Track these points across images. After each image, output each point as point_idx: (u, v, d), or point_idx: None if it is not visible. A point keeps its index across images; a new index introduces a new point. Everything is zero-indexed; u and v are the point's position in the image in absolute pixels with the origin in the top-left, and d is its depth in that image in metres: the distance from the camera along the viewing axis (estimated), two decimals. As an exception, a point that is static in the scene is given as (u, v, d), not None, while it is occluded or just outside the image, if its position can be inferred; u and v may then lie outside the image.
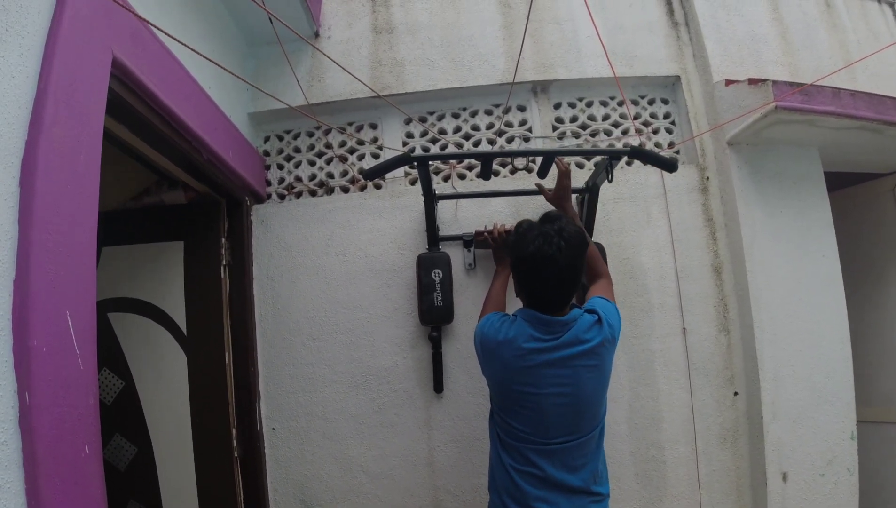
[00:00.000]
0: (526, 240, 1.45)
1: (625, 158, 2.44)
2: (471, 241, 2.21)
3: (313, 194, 2.41)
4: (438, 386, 2.18)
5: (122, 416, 2.06)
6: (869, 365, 2.72)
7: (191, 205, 2.20)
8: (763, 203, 2.37)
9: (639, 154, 1.84)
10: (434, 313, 2.14)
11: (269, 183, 2.43)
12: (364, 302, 2.25)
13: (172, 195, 2.18)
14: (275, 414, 2.20)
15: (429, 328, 2.19)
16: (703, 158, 2.44)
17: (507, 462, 1.53)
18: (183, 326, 2.13)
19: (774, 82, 2.09)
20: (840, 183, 2.88)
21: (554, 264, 1.41)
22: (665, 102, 2.56)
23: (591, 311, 1.54)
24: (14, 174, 1.00)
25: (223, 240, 2.19)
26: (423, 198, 2.05)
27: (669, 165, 1.88)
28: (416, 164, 1.84)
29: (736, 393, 2.30)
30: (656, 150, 2.45)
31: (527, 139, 2.46)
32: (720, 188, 2.41)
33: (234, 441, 2.10)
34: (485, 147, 2.43)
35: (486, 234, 2.06)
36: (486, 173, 1.90)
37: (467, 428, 2.17)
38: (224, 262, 2.18)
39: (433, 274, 2.15)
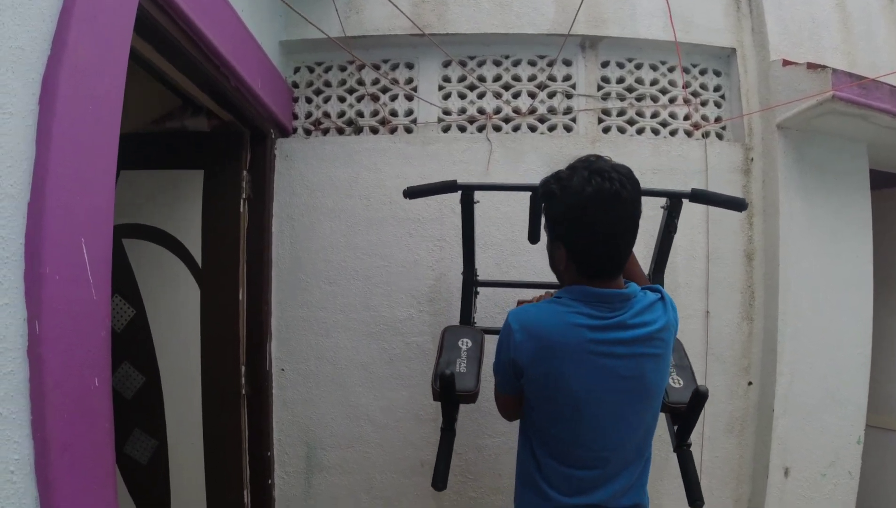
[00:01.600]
0: (576, 183, 1.16)
1: (668, 128, 2.38)
2: None
3: (341, 131, 2.36)
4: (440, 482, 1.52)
5: (131, 344, 2.08)
6: (882, 371, 2.72)
7: (213, 133, 2.16)
8: (804, 193, 2.33)
9: (702, 196, 1.66)
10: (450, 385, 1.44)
11: (295, 117, 2.37)
12: (385, 250, 2.24)
13: (195, 121, 2.13)
14: (285, 355, 2.23)
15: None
16: (750, 137, 2.38)
17: (547, 492, 1.24)
18: (198, 258, 2.13)
19: (834, 70, 2.03)
20: (880, 183, 2.81)
21: (620, 202, 1.14)
22: (717, 74, 2.48)
23: (651, 290, 1.29)
24: (34, 91, 0.96)
25: (244, 173, 2.16)
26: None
27: (739, 205, 1.65)
28: (460, 193, 1.73)
29: (750, 383, 2.32)
30: (720, 193, 2.03)
31: (569, 96, 2.39)
32: (763, 172, 2.36)
33: (243, 379, 2.12)
34: (524, 101, 2.35)
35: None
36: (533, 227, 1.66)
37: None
38: (244, 195, 2.15)
39: (460, 343, 1.75)
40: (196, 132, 2.16)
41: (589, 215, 1.16)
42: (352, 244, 2.24)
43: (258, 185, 2.19)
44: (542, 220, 1.30)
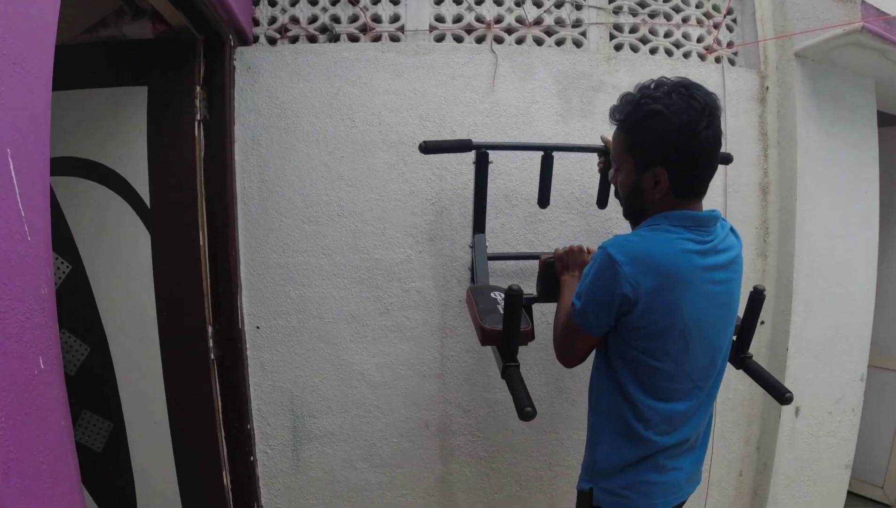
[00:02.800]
0: (680, 100, 1.17)
1: (682, 50, 2.26)
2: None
3: (312, 40, 2.04)
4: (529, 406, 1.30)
5: (69, 308, 1.74)
6: (881, 311, 2.82)
7: (159, 41, 1.82)
8: (820, 125, 2.31)
9: None
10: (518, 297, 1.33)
11: (256, 23, 2.02)
12: (375, 181, 1.99)
13: (137, 27, 1.78)
14: (259, 310, 1.97)
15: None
16: (765, 65, 2.30)
17: (639, 429, 1.25)
18: (146, 196, 1.80)
19: (864, 2, 1.99)
20: (881, 121, 2.88)
21: (717, 117, 1.20)
22: None
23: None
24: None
25: (198, 88, 1.82)
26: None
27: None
28: (475, 155, 1.81)
29: (762, 322, 2.30)
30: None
31: (579, 7, 2.17)
32: (778, 102, 2.30)
33: (210, 341, 1.87)
34: (530, 9, 2.12)
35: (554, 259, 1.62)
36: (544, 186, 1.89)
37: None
38: (199, 116, 1.83)
39: (493, 295, 1.60)
40: (137, 41, 1.81)
41: (698, 132, 1.17)
42: (335, 174, 1.97)
43: (216, 103, 1.86)
44: (626, 154, 1.28)
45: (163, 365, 1.81)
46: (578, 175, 2.09)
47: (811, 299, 2.28)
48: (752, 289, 1.59)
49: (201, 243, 1.84)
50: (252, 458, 1.95)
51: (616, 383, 1.28)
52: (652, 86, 1.22)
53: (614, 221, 2.08)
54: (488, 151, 1.81)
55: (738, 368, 1.69)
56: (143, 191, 1.79)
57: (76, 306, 1.77)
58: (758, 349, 2.30)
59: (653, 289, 1.16)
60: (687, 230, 1.21)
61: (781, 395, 1.57)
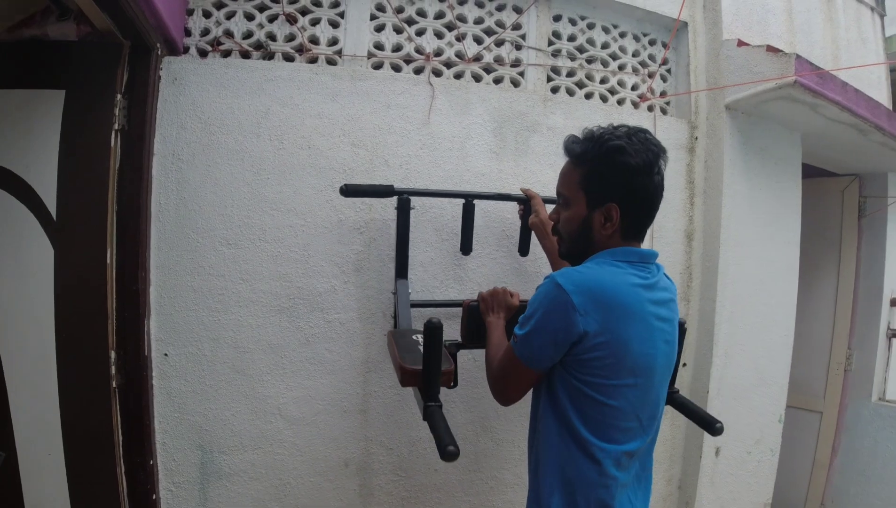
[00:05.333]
0: (641, 143, 1.36)
1: (616, 96, 2.59)
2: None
3: (246, 56, 2.19)
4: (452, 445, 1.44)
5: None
6: (800, 352, 3.25)
7: (82, 44, 1.90)
8: (746, 176, 2.68)
9: None
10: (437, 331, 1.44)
11: (188, 33, 2.15)
12: (301, 206, 2.14)
13: (61, 28, 1.86)
14: (169, 336, 2.05)
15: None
16: (696, 116, 2.66)
17: (592, 474, 1.33)
18: (52, 207, 1.86)
19: (798, 57, 2.34)
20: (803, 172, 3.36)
21: (664, 164, 1.40)
22: (665, 46, 2.72)
23: None
24: None
25: (119, 96, 1.92)
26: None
27: None
28: (396, 201, 2.05)
29: (685, 364, 2.61)
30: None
31: (518, 47, 2.46)
32: (706, 151, 2.67)
33: (113, 367, 1.91)
34: (469, 45, 2.38)
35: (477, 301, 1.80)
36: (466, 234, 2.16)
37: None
38: (117, 126, 1.92)
39: (414, 337, 1.75)
40: (59, 42, 1.89)
41: (653, 175, 1.38)
42: (259, 196, 2.10)
43: (136, 113, 1.95)
44: (579, 189, 1.43)
45: (59, 392, 1.84)
46: (510, 213, 2.32)
47: (732, 343, 2.61)
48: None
49: (108, 260, 1.90)
50: (154, 496, 1.99)
51: (564, 424, 1.35)
52: (612, 126, 1.41)
53: (543, 260, 2.31)
54: (410, 197, 2.02)
55: (666, 403, 1.82)
56: (50, 202, 1.85)
57: (-35, 324, 1.79)
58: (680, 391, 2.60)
59: (602, 320, 1.27)
60: (630, 266, 1.36)
61: (712, 426, 1.79)
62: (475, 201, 2.12)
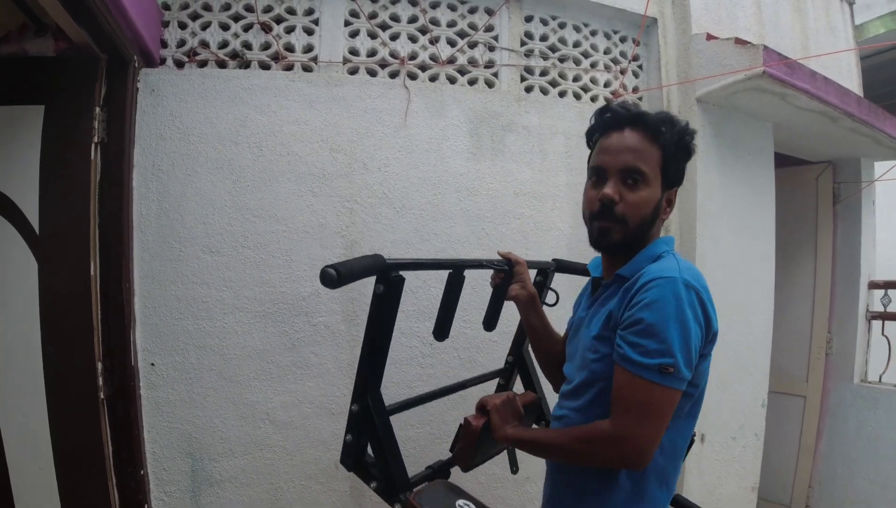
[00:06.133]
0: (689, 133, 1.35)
1: (589, 94, 2.73)
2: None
3: (222, 65, 2.29)
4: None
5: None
6: (779, 339, 3.42)
7: (60, 59, 2.01)
8: (721, 168, 2.83)
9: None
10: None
11: (164, 45, 2.26)
12: (282, 212, 2.25)
13: (39, 44, 1.97)
14: (155, 346, 2.14)
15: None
16: (668, 109, 2.81)
17: (661, 499, 1.31)
18: (35, 221, 1.96)
19: (766, 48, 2.48)
20: (776, 162, 3.54)
21: None
22: (637, 43, 2.86)
23: None
24: None
25: (97, 109, 2.03)
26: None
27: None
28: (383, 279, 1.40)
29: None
30: None
31: (492, 49, 2.59)
32: (680, 145, 2.80)
33: (100, 378, 2.01)
34: (443, 48, 2.50)
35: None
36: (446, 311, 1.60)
37: (398, 373, 2.33)
38: (96, 138, 2.03)
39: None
40: (38, 58, 1.99)
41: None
42: (239, 204, 2.21)
43: (115, 125, 2.06)
44: (657, 169, 1.32)
45: (48, 405, 1.93)
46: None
47: (712, 334, 2.76)
48: None
49: (92, 272, 2.00)
50: (146, 506, 2.08)
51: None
52: (664, 113, 1.34)
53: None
54: (401, 274, 1.41)
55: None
56: (33, 216, 1.95)
57: (-49, 339, 1.88)
58: (663, 383, 2.74)
59: (704, 335, 1.22)
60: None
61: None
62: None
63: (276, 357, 2.23)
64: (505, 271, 1.66)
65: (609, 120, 1.36)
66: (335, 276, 1.20)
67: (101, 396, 2.01)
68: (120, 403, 2.06)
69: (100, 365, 2.01)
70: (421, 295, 2.35)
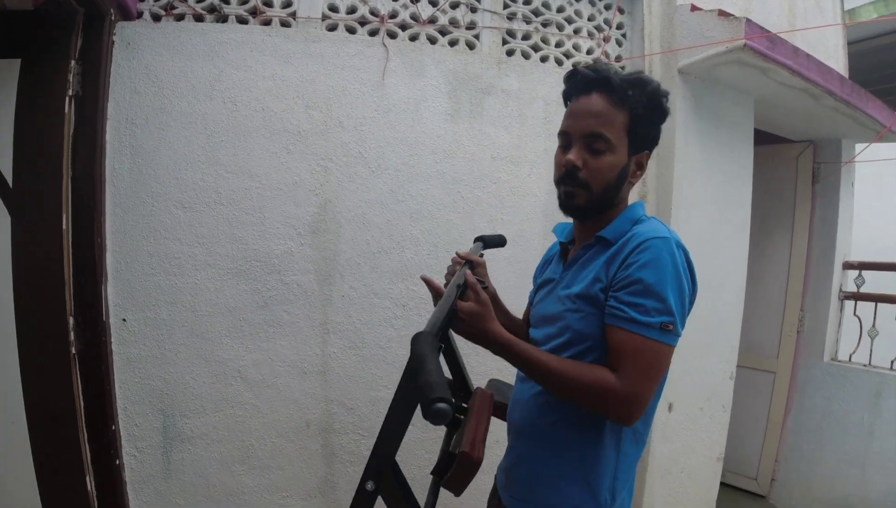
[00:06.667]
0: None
1: (571, 60, 2.79)
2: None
3: (199, 19, 2.32)
4: None
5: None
6: (751, 315, 3.56)
7: (38, 13, 2.02)
8: (700, 140, 2.92)
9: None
10: None
11: (141, -1, 2.29)
12: (256, 169, 2.29)
13: (17, -2, 1.97)
14: (127, 301, 2.19)
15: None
16: None
17: (633, 455, 1.42)
18: (8, 174, 2.00)
19: (748, 21, 2.55)
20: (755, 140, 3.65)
21: None
22: (621, 11, 2.93)
23: None
24: None
25: (73, 63, 2.06)
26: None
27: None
28: None
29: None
30: None
31: (473, 10, 2.64)
32: (660, 116, 2.89)
33: (72, 334, 2.07)
34: (424, 7, 2.54)
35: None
36: None
37: (370, 334, 2.42)
38: (71, 92, 2.06)
39: None
40: (15, 12, 2.00)
41: None
42: (213, 159, 2.25)
43: (90, 79, 2.10)
44: (624, 132, 1.35)
45: (20, 360, 1.99)
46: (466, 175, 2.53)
47: (684, 303, 2.87)
48: None
49: (65, 226, 2.04)
50: (118, 461, 2.15)
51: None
52: (637, 75, 1.38)
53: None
54: None
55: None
56: (6, 169, 1.99)
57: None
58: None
59: (689, 294, 1.32)
60: None
61: None
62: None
63: (248, 315, 2.29)
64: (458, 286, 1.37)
65: (577, 83, 1.39)
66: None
67: (73, 351, 2.07)
68: (91, 358, 2.11)
69: (71, 320, 2.07)
70: (395, 256, 2.42)
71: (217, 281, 2.26)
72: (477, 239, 1.80)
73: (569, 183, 1.37)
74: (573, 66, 2.75)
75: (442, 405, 0.98)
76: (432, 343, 1.14)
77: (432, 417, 0.98)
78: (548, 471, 1.40)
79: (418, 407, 1.06)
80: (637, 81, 1.35)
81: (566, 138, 1.39)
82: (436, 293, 1.46)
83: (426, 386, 1.04)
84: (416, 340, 1.14)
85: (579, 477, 1.36)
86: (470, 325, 1.29)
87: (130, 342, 2.20)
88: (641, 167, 1.41)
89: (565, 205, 1.41)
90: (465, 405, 1.35)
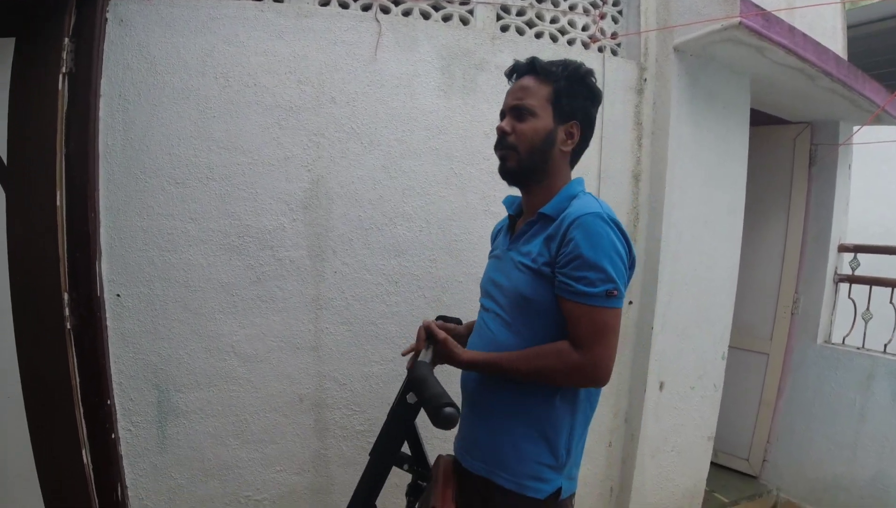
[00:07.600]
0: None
1: (566, 36, 2.92)
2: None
3: (191, -6, 2.43)
4: None
5: None
6: (744, 296, 3.73)
7: (32, -8, 2.12)
8: (694, 118, 3.07)
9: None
10: None
11: (132, -28, 2.38)
12: (248, 144, 2.40)
13: (13, -25, 2.07)
14: (120, 277, 2.30)
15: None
16: (645, 57, 3.03)
17: (587, 414, 1.73)
18: (3, 152, 2.10)
19: None
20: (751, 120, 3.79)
21: None
22: None
23: None
24: None
25: (66, 40, 2.15)
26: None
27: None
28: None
29: (630, 302, 3.01)
30: None
31: (466, -12, 2.76)
32: (655, 93, 3.04)
33: (67, 309, 2.15)
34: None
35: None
36: None
37: (363, 310, 2.56)
38: (64, 69, 2.14)
39: None
40: None
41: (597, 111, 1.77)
42: (205, 135, 2.36)
43: (83, 56, 2.17)
44: (547, 102, 1.68)
45: (16, 335, 2.10)
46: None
47: (676, 282, 3.02)
48: None
49: (59, 202, 2.13)
50: (113, 436, 2.26)
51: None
52: (566, 62, 1.71)
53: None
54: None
55: None
56: (1, 146, 2.09)
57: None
58: (626, 328, 3.00)
59: (625, 263, 1.57)
60: None
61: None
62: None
63: (241, 291, 2.42)
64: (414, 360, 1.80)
65: (511, 72, 1.79)
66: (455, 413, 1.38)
67: (68, 326, 2.16)
68: (86, 333, 2.21)
69: (66, 296, 2.16)
70: (387, 232, 2.56)
71: (210, 257, 2.38)
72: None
73: (500, 147, 1.73)
74: (570, 42, 2.93)
75: (450, 409, 1.35)
76: (428, 368, 1.52)
77: (443, 420, 1.31)
78: (507, 432, 1.64)
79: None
80: (562, 62, 1.70)
81: (502, 115, 1.77)
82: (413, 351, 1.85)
83: (434, 396, 1.38)
84: (414, 370, 1.52)
85: (537, 437, 1.62)
86: (439, 353, 1.69)
87: (125, 318, 2.31)
88: (571, 137, 1.70)
89: (501, 169, 1.75)
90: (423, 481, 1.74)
